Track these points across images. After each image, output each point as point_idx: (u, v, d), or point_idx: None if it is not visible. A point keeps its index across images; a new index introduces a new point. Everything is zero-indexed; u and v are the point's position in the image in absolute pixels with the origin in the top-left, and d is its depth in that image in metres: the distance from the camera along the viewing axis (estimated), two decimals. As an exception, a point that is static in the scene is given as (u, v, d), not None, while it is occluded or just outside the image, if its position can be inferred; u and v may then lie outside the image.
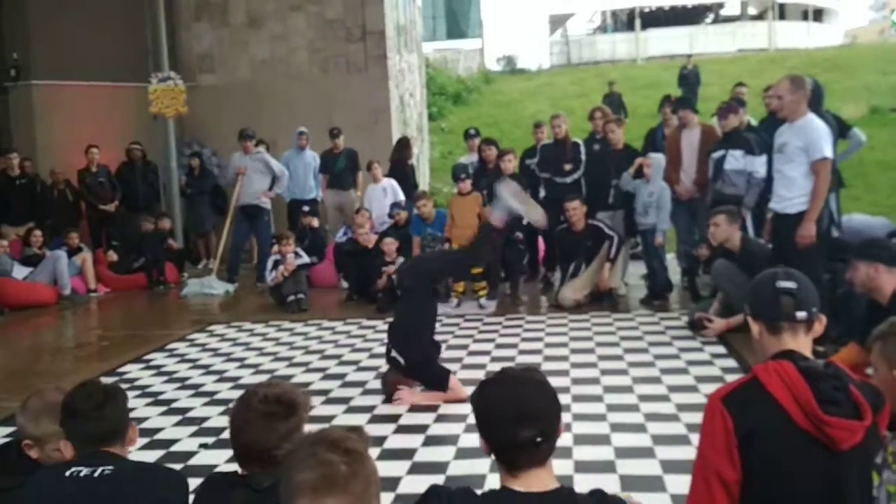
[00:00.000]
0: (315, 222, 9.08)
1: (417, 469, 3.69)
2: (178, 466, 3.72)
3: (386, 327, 6.64)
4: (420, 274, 4.94)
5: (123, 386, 2.42)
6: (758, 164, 6.23)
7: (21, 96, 10.71)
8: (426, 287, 4.91)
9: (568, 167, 7.63)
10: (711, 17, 36.74)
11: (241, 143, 9.14)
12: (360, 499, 1.39)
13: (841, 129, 6.57)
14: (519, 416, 1.69)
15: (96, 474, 2.04)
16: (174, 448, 4.07)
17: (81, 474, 2.05)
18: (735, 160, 6.43)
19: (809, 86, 5.82)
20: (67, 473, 2.06)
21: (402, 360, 4.69)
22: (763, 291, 2.00)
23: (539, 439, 1.70)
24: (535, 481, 1.72)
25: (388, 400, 4.70)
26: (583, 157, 7.66)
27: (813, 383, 1.81)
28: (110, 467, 2.07)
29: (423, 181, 12.79)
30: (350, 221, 8.72)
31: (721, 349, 5.44)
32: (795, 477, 1.81)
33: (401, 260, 7.57)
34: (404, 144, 9.78)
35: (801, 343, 1.95)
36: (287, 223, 9.60)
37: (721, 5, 36.01)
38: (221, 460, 3.84)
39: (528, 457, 1.71)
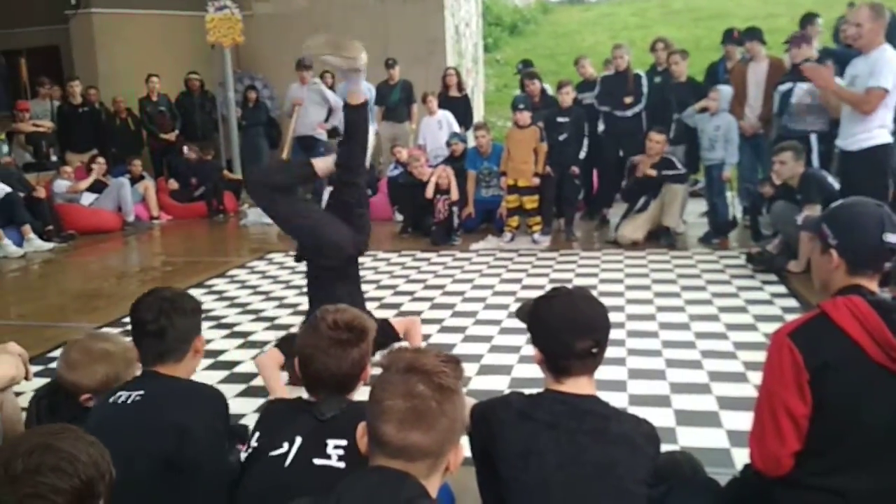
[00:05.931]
0: None
1: (471, 396, 3.73)
2: (241, 387, 3.90)
3: (441, 260, 6.74)
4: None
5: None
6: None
7: (82, 24, 10.83)
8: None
9: (629, 100, 7.43)
10: (783, -57, 34.93)
11: (298, 74, 9.12)
12: (445, 435, 1.40)
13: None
14: (577, 329, 1.84)
15: (129, 401, 1.95)
16: (237, 369, 4.21)
17: (120, 400, 1.97)
18: (803, 93, 6.20)
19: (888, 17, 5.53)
20: (111, 400, 2.00)
21: None
22: (867, 240, 1.90)
23: (594, 350, 1.84)
24: (579, 388, 1.86)
25: None
26: (644, 89, 7.46)
27: (885, 315, 1.78)
28: (140, 392, 1.97)
29: (478, 115, 12.61)
30: (395, 155, 8.60)
31: (781, 289, 5.33)
32: (868, 409, 1.79)
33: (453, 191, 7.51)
34: (442, 77, 9.55)
35: (872, 282, 1.92)
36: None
37: (794, -69, 34.16)
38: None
39: (582, 366, 1.85)
